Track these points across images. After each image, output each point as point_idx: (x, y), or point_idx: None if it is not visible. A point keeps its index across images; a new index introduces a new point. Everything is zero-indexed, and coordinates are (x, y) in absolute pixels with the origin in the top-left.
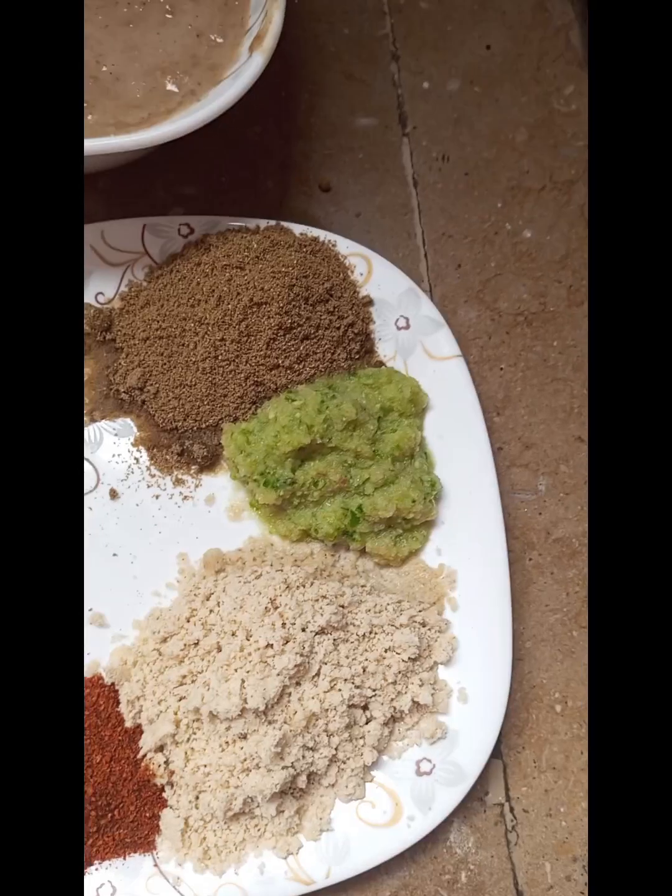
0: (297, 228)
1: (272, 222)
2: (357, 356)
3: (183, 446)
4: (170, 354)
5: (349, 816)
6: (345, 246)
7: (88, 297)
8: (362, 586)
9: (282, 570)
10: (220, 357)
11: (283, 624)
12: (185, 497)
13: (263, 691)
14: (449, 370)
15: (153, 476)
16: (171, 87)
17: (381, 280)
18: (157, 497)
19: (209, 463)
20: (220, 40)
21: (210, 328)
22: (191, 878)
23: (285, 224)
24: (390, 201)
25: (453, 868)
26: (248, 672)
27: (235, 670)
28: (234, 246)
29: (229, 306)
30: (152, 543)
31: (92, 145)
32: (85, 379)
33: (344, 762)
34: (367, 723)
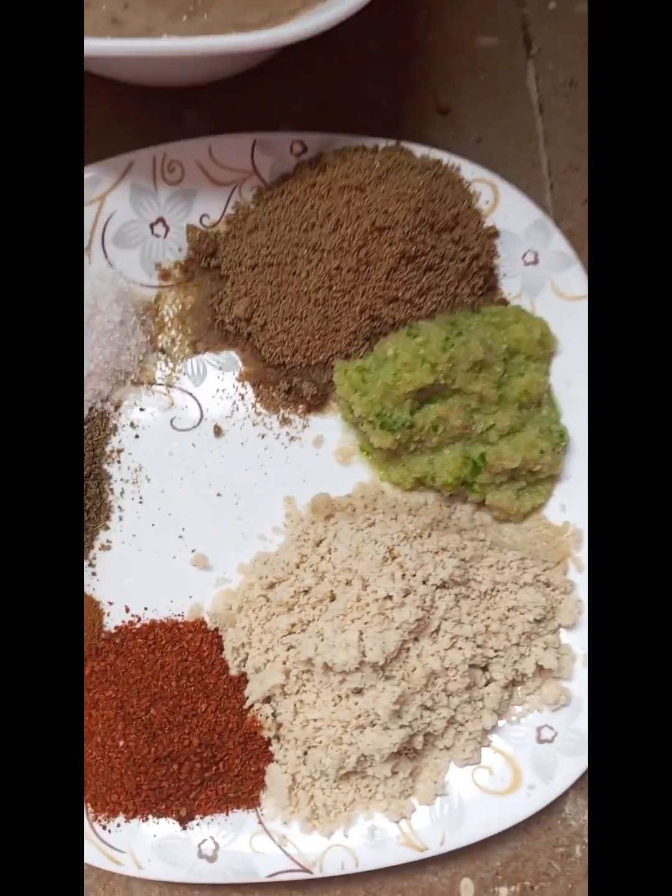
0: (419, 149)
1: (392, 142)
2: (480, 292)
3: (291, 384)
4: (279, 283)
5: (465, 781)
6: (470, 171)
7: (193, 219)
8: (482, 540)
9: (396, 519)
10: (334, 287)
11: (403, 575)
12: (292, 438)
13: (383, 645)
14: (580, 311)
15: (259, 414)
16: None
17: (508, 210)
18: (262, 436)
19: (318, 402)
20: None
21: (325, 255)
22: (297, 838)
23: (406, 144)
24: (514, 127)
25: (567, 841)
26: (366, 624)
27: (352, 621)
28: (354, 165)
29: (347, 231)
30: (257, 485)
31: (210, 44)
32: (188, 307)
33: (462, 724)
34: (486, 684)
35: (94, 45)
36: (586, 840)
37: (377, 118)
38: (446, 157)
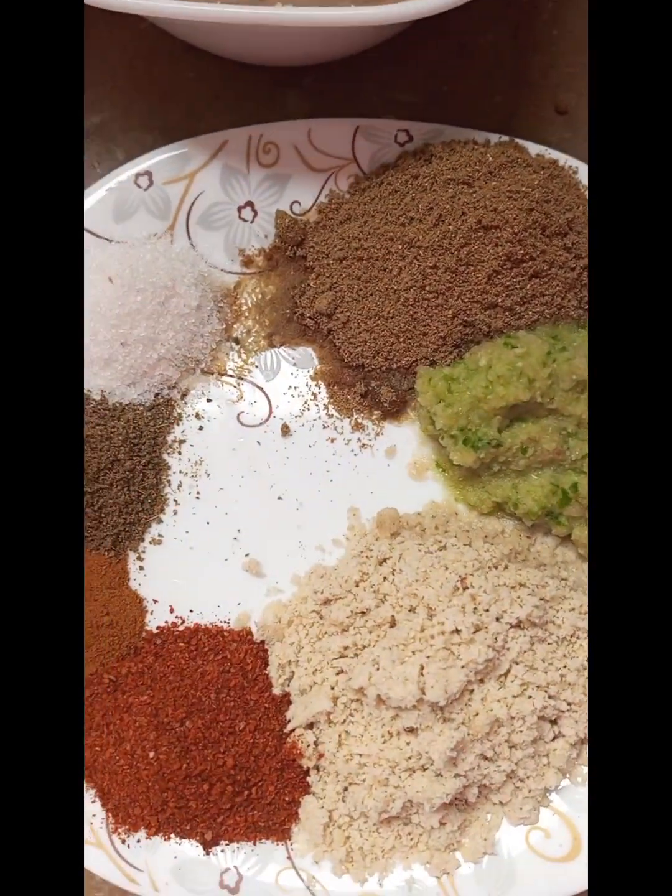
0: (534, 148)
1: (505, 138)
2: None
3: (368, 387)
4: (368, 279)
5: (518, 841)
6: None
7: (283, 205)
8: (564, 579)
9: (470, 545)
10: (427, 287)
11: (475, 608)
12: (364, 445)
13: (445, 683)
14: None
15: (331, 416)
16: None
17: None
18: (332, 441)
19: (395, 410)
20: None
21: (421, 252)
22: (327, 879)
23: (520, 142)
24: None
25: None
26: (428, 658)
27: (413, 653)
28: (463, 158)
29: (450, 227)
30: (322, 492)
31: (325, 16)
32: (268, 297)
33: (522, 780)
34: (554, 739)
35: (204, 10)
36: None
37: (489, 115)
38: (563, 159)
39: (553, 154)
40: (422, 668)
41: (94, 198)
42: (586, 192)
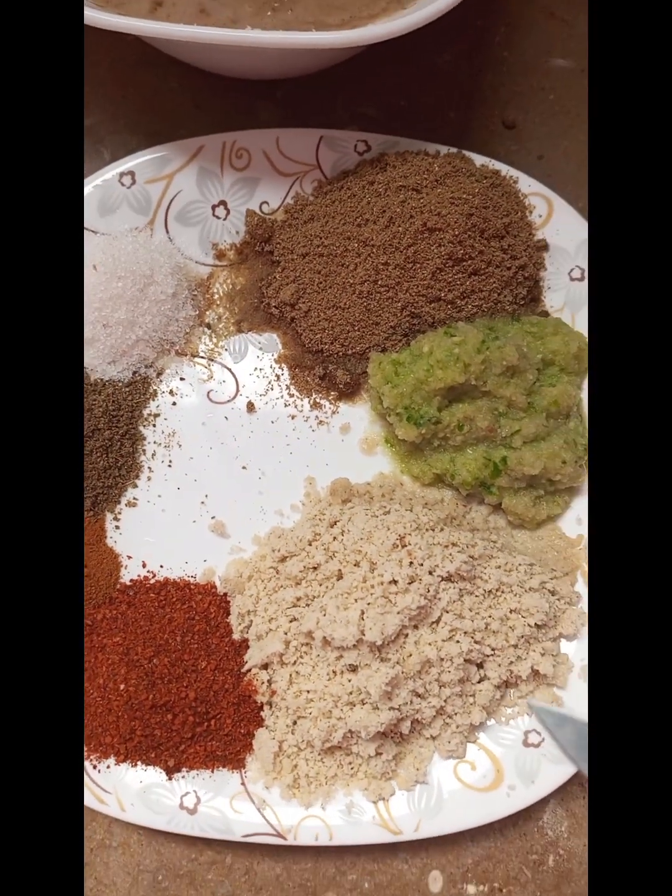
0: (479, 159)
1: (453, 149)
2: (522, 302)
3: (326, 370)
4: (327, 273)
5: (446, 773)
6: (527, 184)
7: (253, 205)
8: (493, 542)
9: (411, 510)
10: (379, 282)
11: (411, 563)
12: (321, 422)
13: (382, 626)
14: None
15: (292, 396)
16: None
17: (560, 225)
18: (292, 417)
19: (350, 391)
20: None
21: (374, 250)
22: (277, 804)
23: (467, 153)
24: (577, 148)
25: (542, 849)
26: (368, 604)
27: (355, 600)
28: (413, 167)
29: (399, 229)
30: (282, 462)
31: (289, 39)
32: (238, 288)
33: (451, 716)
34: (479, 681)
35: (180, 31)
36: (560, 851)
37: (443, 128)
38: (505, 169)
39: (496, 165)
40: (362, 613)
41: None
42: (524, 200)
